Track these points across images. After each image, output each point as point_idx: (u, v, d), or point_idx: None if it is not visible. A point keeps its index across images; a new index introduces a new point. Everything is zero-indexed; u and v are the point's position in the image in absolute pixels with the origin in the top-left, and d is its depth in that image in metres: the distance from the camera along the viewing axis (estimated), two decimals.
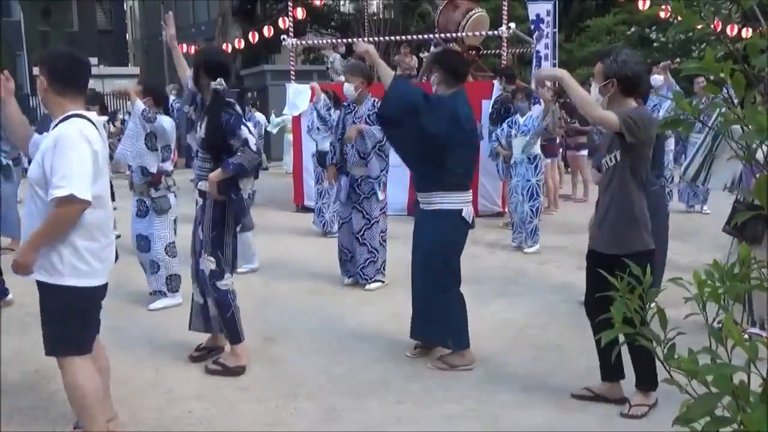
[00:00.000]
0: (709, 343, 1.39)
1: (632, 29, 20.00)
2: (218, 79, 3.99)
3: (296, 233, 8.67)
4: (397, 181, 9.78)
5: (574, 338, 4.59)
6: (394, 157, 9.11)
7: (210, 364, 4.17)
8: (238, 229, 4.23)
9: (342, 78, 10.09)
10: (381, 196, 5.99)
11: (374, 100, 5.85)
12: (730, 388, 1.29)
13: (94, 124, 2.95)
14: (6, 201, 7.15)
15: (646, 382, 3.53)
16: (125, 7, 37.81)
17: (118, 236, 7.94)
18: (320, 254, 7.24)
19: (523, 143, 7.23)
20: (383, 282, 6.06)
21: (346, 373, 4.15)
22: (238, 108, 4.12)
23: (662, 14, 15.62)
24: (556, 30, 10.66)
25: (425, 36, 11.15)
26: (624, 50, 3.52)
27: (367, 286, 5.99)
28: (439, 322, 4.19)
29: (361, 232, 5.99)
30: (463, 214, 4.10)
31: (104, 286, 3.09)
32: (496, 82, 9.01)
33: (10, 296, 5.51)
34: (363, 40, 12.16)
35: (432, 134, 3.96)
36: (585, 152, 10.32)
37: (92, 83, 12.82)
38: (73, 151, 2.80)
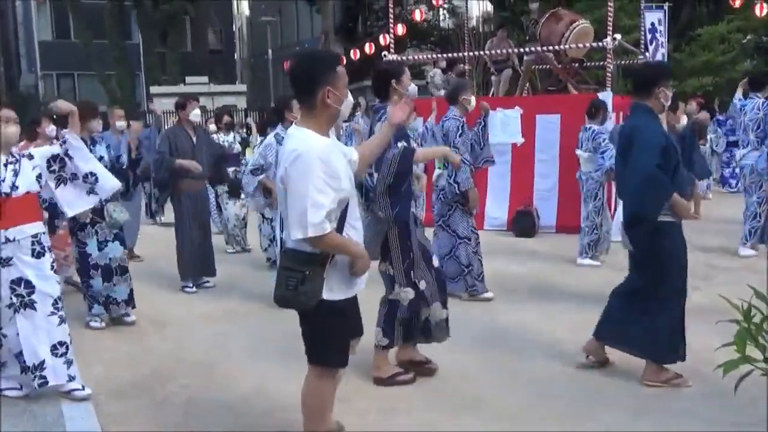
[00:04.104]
0: None
1: (748, 37, 18.95)
2: None
3: None
4: (497, 196, 9.69)
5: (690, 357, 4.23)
6: (492, 172, 9.11)
7: None
8: None
9: (442, 93, 10.09)
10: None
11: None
12: None
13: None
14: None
15: None
16: (234, 28, 39.53)
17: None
18: None
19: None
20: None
21: (444, 387, 4.11)
22: None
23: None
24: (665, 39, 10.28)
25: (526, 49, 10.99)
26: None
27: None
28: None
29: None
30: None
31: None
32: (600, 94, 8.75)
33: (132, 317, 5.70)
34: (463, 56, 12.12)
35: None
36: None
37: (203, 101, 13.44)
38: None
